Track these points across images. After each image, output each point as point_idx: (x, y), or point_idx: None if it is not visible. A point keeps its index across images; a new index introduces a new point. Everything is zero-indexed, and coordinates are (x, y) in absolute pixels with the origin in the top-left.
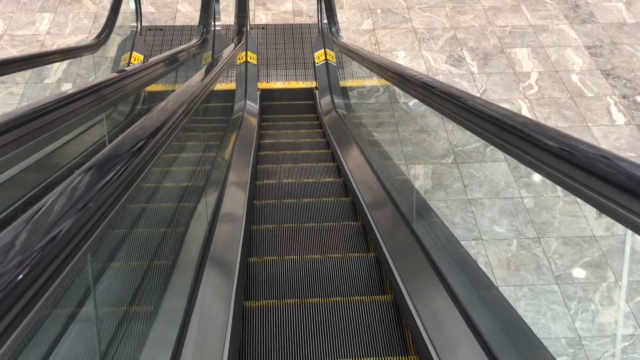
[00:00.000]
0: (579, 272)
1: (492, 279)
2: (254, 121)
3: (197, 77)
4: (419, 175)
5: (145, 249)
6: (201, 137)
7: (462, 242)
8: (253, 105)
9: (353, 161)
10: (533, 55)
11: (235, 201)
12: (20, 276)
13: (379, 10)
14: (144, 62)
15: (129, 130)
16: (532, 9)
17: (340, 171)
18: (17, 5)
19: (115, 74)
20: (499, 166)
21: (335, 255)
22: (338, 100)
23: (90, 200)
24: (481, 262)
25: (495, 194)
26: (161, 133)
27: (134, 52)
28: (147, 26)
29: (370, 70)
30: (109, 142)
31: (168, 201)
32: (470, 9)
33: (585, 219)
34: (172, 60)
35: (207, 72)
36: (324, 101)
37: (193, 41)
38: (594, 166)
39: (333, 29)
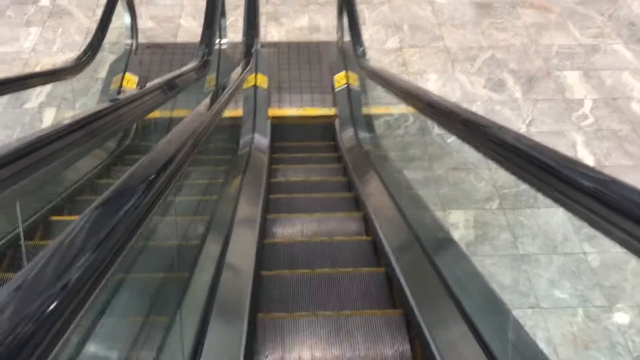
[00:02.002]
0: None
1: None
2: (263, 160)
3: (192, 120)
4: (458, 224)
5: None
6: (196, 190)
7: (515, 312)
8: (262, 140)
9: (396, 238)
10: (585, 80)
11: (231, 316)
12: None
13: (405, 27)
14: (138, 84)
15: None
16: (580, 26)
17: (376, 248)
18: (1, 19)
19: (91, 111)
20: (554, 213)
21: None
22: (364, 134)
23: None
24: (541, 339)
25: (552, 248)
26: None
27: (127, 74)
28: (145, 43)
29: (418, 110)
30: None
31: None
32: (510, 26)
33: None
34: (163, 91)
35: (204, 119)
36: (346, 135)
37: (191, 64)
38: None
39: (358, 50)
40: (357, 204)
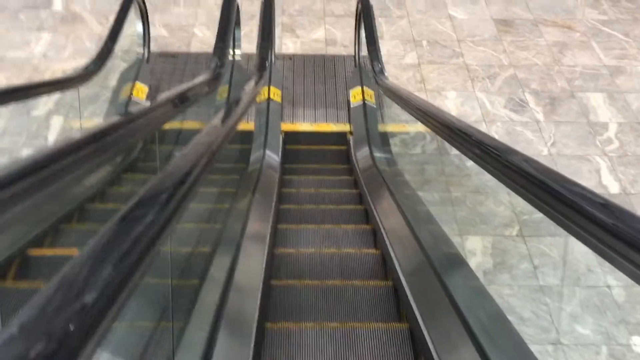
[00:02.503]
0: None
1: None
2: (273, 178)
3: (205, 142)
4: (476, 250)
5: None
6: (202, 209)
7: (534, 347)
8: (274, 157)
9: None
10: (610, 102)
11: None
12: None
13: (424, 42)
14: (148, 94)
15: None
16: (605, 47)
17: (396, 289)
18: (13, 23)
19: (99, 128)
20: (577, 242)
21: None
22: (380, 155)
23: None
24: None
25: (574, 280)
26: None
27: (137, 83)
28: (157, 52)
29: (435, 132)
30: None
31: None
32: (532, 44)
33: None
34: (174, 105)
35: (217, 143)
36: (361, 154)
37: (203, 76)
38: None
39: (376, 67)
40: (375, 235)
